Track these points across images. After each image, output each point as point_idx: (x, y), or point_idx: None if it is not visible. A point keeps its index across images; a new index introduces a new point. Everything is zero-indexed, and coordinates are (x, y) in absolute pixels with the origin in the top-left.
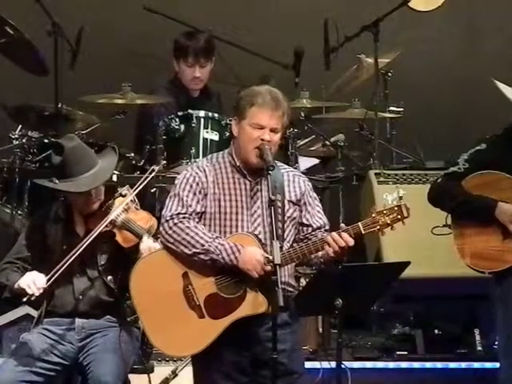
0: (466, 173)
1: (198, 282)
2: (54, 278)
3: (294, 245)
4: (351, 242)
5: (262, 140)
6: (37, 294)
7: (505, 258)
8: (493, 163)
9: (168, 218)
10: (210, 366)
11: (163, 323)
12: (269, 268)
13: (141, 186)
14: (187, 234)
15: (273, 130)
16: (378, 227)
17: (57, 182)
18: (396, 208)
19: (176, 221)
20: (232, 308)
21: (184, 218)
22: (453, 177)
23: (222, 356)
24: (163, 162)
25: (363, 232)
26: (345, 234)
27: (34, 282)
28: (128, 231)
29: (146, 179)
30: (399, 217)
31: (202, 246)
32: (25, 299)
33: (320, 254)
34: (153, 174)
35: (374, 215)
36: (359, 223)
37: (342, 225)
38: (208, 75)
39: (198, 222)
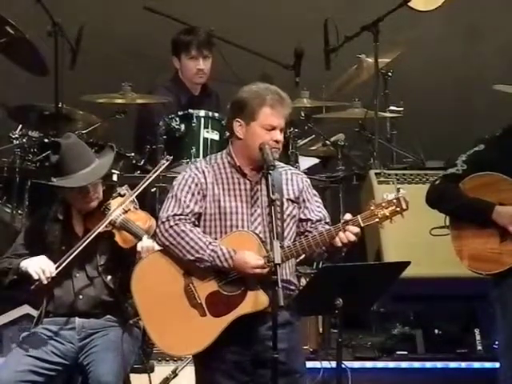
0: (464, 174)
1: (198, 281)
2: (62, 267)
3: (297, 239)
4: (356, 229)
5: (276, 141)
6: (45, 282)
7: (503, 260)
8: (491, 164)
9: (164, 220)
10: (211, 365)
11: (165, 323)
12: (266, 270)
13: (152, 178)
14: (182, 238)
15: (281, 130)
16: (377, 220)
17: (54, 180)
18: (395, 201)
19: (172, 223)
20: (233, 305)
21: (180, 219)
22: (451, 179)
23: (223, 355)
24: (171, 157)
25: (362, 225)
26: (351, 227)
27: (42, 269)
28: (127, 232)
29: (156, 171)
30: (398, 209)
31: (197, 252)
32: (33, 286)
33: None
34: (163, 167)
35: (372, 208)
36: (358, 216)
37: (347, 215)
38: (210, 69)
39: (194, 223)
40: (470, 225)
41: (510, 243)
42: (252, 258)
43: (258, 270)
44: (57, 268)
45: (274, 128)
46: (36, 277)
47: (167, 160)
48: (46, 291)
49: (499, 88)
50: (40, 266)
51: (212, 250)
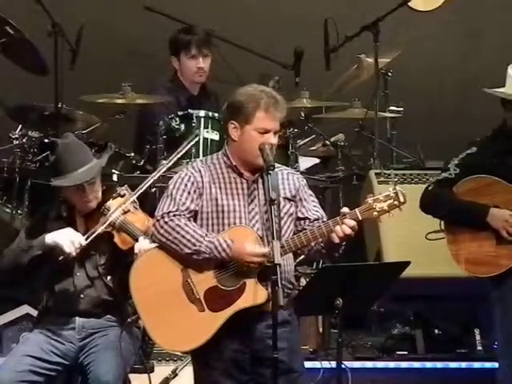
0: (457, 178)
1: (197, 276)
2: (91, 239)
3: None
4: (352, 222)
5: (270, 145)
6: (74, 254)
7: (500, 263)
8: (484, 166)
9: (159, 218)
10: (210, 363)
11: (164, 319)
12: (265, 250)
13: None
14: (178, 232)
15: (275, 133)
16: (376, 213)
17: (52, 179)
18: (392, 194)
19: (166, 219)
20: (232, 300)
21: (174, 215)
22: (444, 183)
23: (222, 353)
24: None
25: (360, 218)
26: (347, 220)
27: (72, 241)
28: (125, 233)
29: (188, 144)
30: (396, 203)
31: (194, 245)
32: (61, 258)
33: (320, 239)
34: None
35: (370, 202)
36: (356, 209)
37: (345, 208)
38: (209, 68)
39: (189, 220)
40: (466, 228)
41: (505, 246)
42: (250, 246)
43: (255, 258)
44: (86, 239)
45: (268, 131)
46: (68, 250)
47: (196, 135)
48: (47, 289)
49: (488, 91)
50: (69, 238)
51: (209, 241)
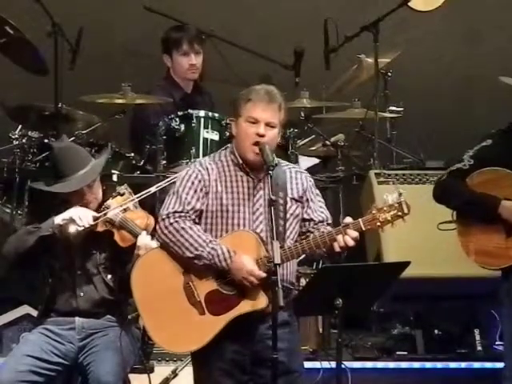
0: (471, 169)
1: (198, 279)
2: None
3: (298, 240)
4: (355, 233)
5: (257, 135)
6: (87, 226)
7: (510, 254)
8: (498, 159)
9: (164, 217)
10: (210, 363)
11: (164, 320)
12: (263, 275)
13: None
14: (182, 235)
15: (268, 124)
16: (379, 224)
17: (50, 185)
18: (396, 205)
19: (172, 220)
20: (232, 304)
21: (180, 216)
22: (458, 174)
23: (223, 353)
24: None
25: (363, 228)
26: (350, 231)
27: (85, 215)
28: (125, 231)
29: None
30: (400, 213)
31: (196, 249)
32: (73, 230)
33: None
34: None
35: (374, 212)
36: (360, 220)
37: (348, 218)
38: (201, 64)
39: (195, 221)
40: (476, 220)
41: None
42: (249, 263)
43: (251, 278)
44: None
45: (256, 121)
46: (79, 222)
47: None
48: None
49: (504, 80)
50: (81, 213)
51: (212, 248)
